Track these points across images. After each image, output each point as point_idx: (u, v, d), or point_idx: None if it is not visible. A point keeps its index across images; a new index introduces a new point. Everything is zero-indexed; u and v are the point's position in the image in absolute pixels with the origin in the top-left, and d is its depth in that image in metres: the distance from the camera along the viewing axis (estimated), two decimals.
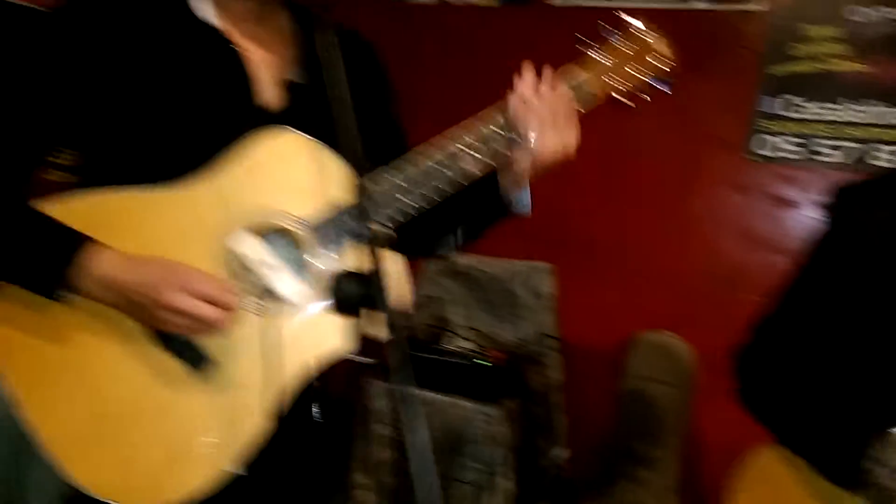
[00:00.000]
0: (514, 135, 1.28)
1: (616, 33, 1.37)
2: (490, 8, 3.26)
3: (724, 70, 2.79)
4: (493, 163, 1.29)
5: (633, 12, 3.01)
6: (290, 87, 1.30)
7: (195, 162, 1.19)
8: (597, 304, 3.05)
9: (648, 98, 1.40)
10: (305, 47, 1.35)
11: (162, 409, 1.17)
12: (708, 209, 2.96)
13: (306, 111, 1.29)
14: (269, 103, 1.28)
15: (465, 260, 3.12)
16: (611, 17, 1.39)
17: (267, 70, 1.29)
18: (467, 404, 2.66)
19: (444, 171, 1.27)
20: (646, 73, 1.38)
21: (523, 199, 1.37)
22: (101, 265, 1.11)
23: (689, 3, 2.89)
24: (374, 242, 0.98)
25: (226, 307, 1.14)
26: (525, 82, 1.27)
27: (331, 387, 1.33)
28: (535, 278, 3.00)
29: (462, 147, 1.27)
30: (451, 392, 2.66)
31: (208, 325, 1.13)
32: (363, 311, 0.98)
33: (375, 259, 0.97)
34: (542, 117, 1.25)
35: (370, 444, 2.74)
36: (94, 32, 1.18)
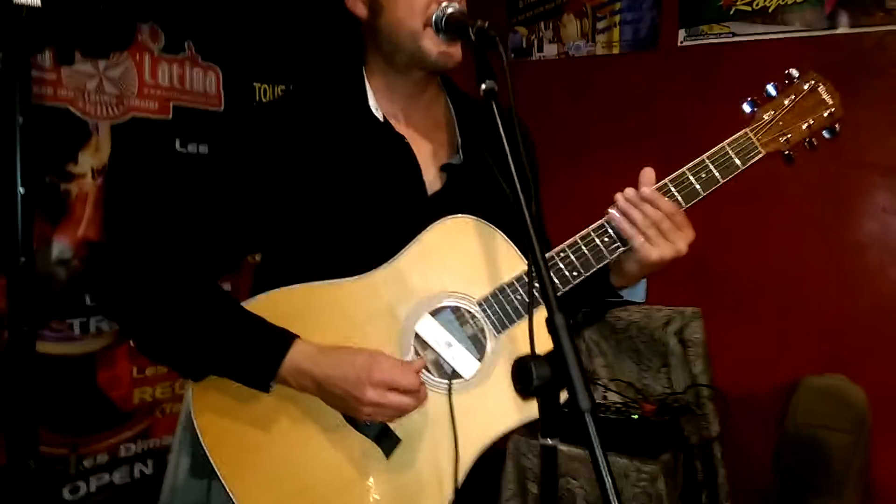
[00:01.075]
0: (618, 245, 1.30)
1: (783, 88, 1.35)
2: (611, 56, 3.26)
3: (879, 94, 2.62)
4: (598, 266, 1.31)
5: (777, 44, 2.91)
6: (446, 169, 1.36)
7: (373, 252, 1.27)
8: (752, 348, 2.90)
9: (812, 149, 1.37)
10: (461, 130, 1.41)
11: (353, 485, 1.24)
12: (874, 238, 2.75)
13: (463, 190, 1.36)
14: (432, 188, 1.34)
15: None
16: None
17: (430, 157, 1.36)
18: (621, 460, 2.57)
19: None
20: (815, 126, 1.34)
21: (636, 292, 1.40)
22: (305, 360, 1.20)
23: (832, 28, 2.75)
24: (552, 322, 0.99)
25: (417, 396, 1.20)
26: (628, 198, 1.28)
27: None
28: (683, 324, 2.89)
29: (571, 255, 1.30)
30: (604, 447, 2.58)
31: (402, 414, 1.20)
32: (552, 392, 1.00)
33: (559, 339, 0.97)
34: (644, 230, 1.27)
35: (525, 501, 2.70)
36: (279, 133, 1.29)
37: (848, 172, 2.75)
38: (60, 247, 2.13)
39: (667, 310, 2.93)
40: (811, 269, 2.83)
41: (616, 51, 3.25)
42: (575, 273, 1.29)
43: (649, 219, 1.26)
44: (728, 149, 1.31)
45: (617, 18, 3.23)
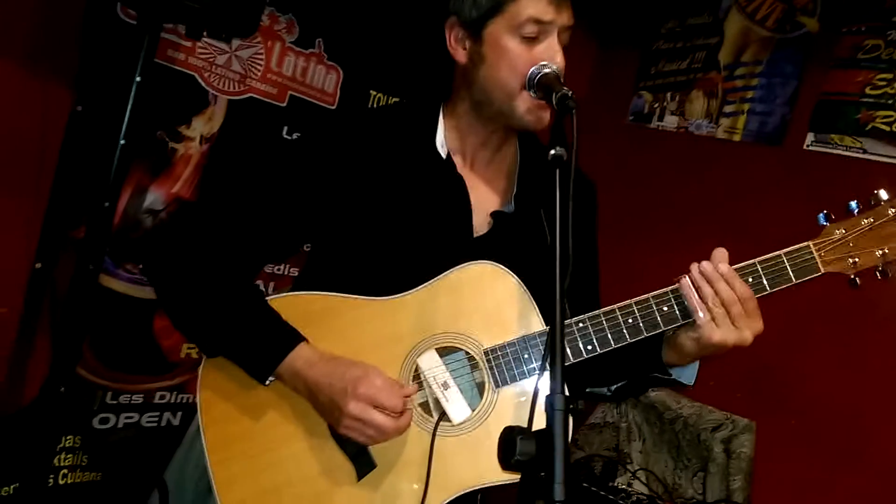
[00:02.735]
0: (678, 317, 1.25)
1: (864, 208, 1.28)
2: (731, 142, 3.15)
3: None
4: (650, 333, 1.26)
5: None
6: (495, 216, 1.37)
7: (406, 278, 1.30)
8: (801, 479, 2.70)
9: (883, 278, 1.29)
10: (521, 181, 1.42)
11: (322, 496, 1.26)
12: None
13: (507, 239, 1.36)
14: (478, 231, 1.36)
15: (656, 393, 2.94)
16: (864, 193, 1.30)
17: (483, 201, 1.38)
18: None
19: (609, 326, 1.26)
20: (890, 256, 1.27)
21: (687, 373, 1.33)
22: (303, 363, 1.24)
23: None
24: (552, 403, 0.97)
25: (398, 421, 1.20)
26: (703, 271, 1.23)
27: None
28: (732, 434, 2.73)
29: (627, 318, 1.26)
30: None
31: (382, 436, 1.20)
32: (533, 471, 0.98)
33: (553, 422, 0.96)
34: (713, 309, 1.21)
35: None
36: (355, 147, 1.34)
37: None
38: (153, 197, 2.28)
39: (720, 414, 2.79)
40: (886, 413, 2.61)
41: (737, 138, 3.15)
42: (617, 337, 1.26)
43: (720, 297, 1.21)
44: (784, 258, 1.25)
45: (746, 107, 3.13)
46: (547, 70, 1.25)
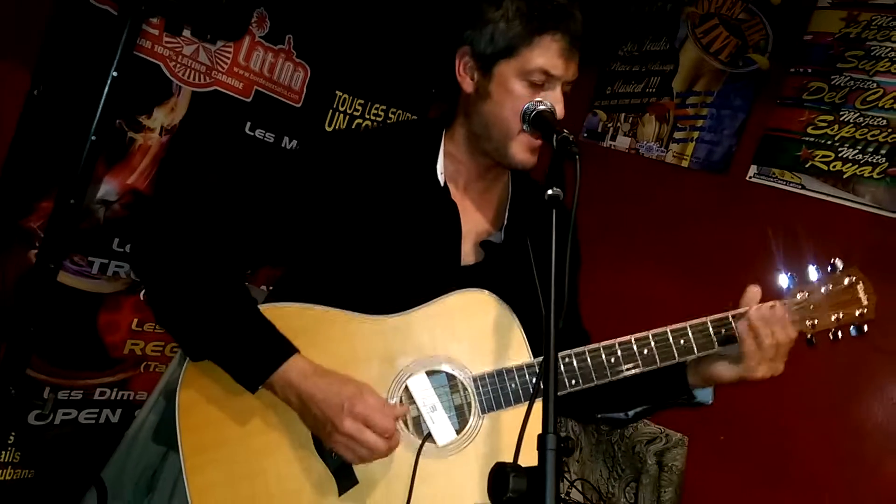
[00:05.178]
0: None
1: (823, 275, 1.37)
2: (679, 167, 3.28)
3: None
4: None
5: (842, 210, 2.85)
6: (484, 245, 1.40)
7: (390, 300, 1.31)
8: (727, 491, 2.85)
9: (834, 340, 1.39)
10: (511, 212, 1.45)
11: None
12: (877, 428, 2.71)
13: (494, 269, 1.39)
14: (466, 259, 1.38)
15: None
16: (824, 260, 1.38)
17: (473, 230, 1.40)
18: None
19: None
20: (843, 321, 1.36)
21: (708, 394, 1.41)
22: (296, 375, 1.22)
23: None
24: (544, 442, 1.00)
25: (388, 441, 1.21)
26: (762, 314, 1.30)
27: None
28: (665, 447, 2.86)
29: (610, 357, 1.31)
30: None
31: (371, 456, 1.21)
32: None
33: (545, 461, 0.99)
34: (765, 348, 1.29)
35: None
36: (349, 165, 1.34)
37: (876, 358, 2.71)
38: (108, 188, 2.19)
39: (654, 427, 2.90)
40: (806, 432, 2.78)
41: (685, 164, 3.27)
42: (599, 375, 1.31)
43: (776, 339, 1.29)
44: None
45: (695, 134, 3.26)
46: (542, 107, 1.28)
